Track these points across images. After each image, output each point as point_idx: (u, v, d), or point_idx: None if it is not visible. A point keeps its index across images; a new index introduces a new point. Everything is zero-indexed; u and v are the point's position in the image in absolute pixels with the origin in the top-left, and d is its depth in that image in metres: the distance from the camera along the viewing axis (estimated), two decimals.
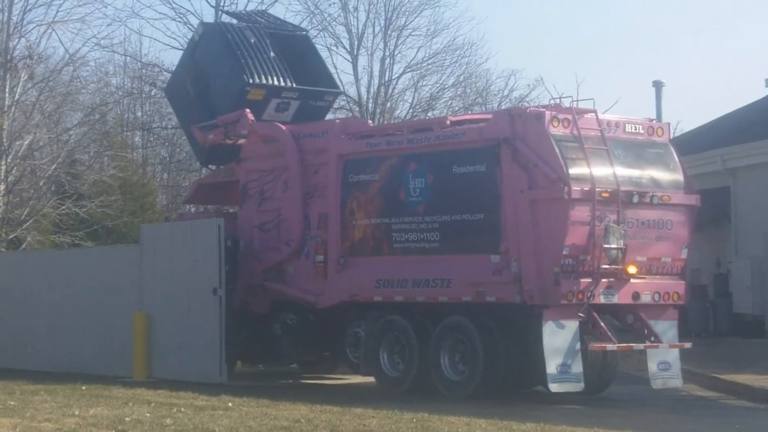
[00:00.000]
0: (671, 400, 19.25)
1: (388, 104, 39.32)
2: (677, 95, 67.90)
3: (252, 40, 23.27)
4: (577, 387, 18.19)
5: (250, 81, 22.74)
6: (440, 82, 40.54)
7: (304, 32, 25.56)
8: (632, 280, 18.72)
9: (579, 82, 53.52)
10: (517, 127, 18.67)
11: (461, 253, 19.20)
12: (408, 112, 39.60)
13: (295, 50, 24.05)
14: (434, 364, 19.25)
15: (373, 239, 20.40)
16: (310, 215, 21.43)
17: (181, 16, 36.21)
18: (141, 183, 39.75)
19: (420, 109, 39.62)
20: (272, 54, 23.33)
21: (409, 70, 39.75)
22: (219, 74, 23.36)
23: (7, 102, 32.16)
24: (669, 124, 20.57)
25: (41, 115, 33.28)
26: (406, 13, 39.58)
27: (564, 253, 18.07)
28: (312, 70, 24.01)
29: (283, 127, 21.97)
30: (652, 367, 18.87)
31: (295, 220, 21.62)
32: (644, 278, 18.91)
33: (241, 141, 22.77)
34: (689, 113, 69.66)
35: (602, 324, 18.57)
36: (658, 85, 33.64)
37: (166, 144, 43.47)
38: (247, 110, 22.34)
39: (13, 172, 32.73)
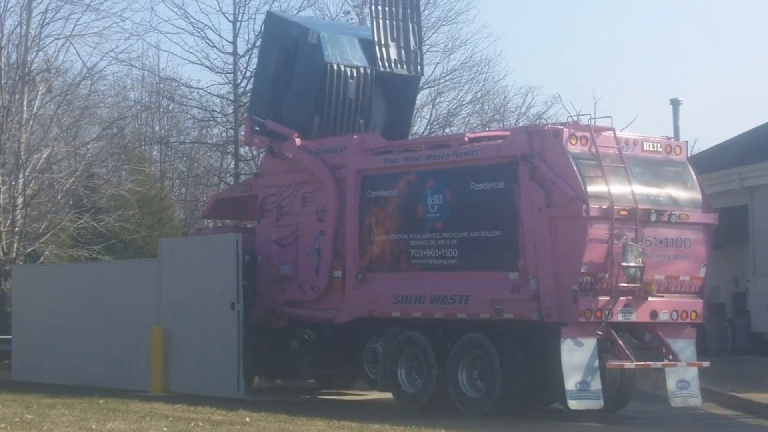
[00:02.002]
0: (689, 418, 19.21)
1: None
2: (695, 113, 67.81)
3: (350, 97, 22.34)
4: (596, 404, 18.16)
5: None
6: (458, 98, 40.52)
7: (419, 75, 24.03)
8: (650, 299, 18.70)
9: (596, 99, 53.36)
10: (535, 145, 18.69)
11: (479, 269, 19.21)
12: (425, 129, 39.61)
13: (397, 92, 23.11)
14: (452, 380, 19.24)
15: (392, 255, 20.41)
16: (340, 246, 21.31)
17: (199, 30, 36.26)
18: (159, 197, 39.84)
19: (437, 126, 39.59)
20: (361, 120, 22.51)
21: (426, 86, 39.71)
22: (300, 100, 22.51)
23: (25, 115, 32.28)
24: (687, 142, 20.61)
25: (59, 129, 33.39)
26: (424, 29, 39.37)
27: (582, 270, 18.07)
28: (399, 119, 23.33)
29: (327, 170, 21.44)
30: (671, 385, 18.84)
31: (325, 256, 21.41)
32: (662, 296, 18.89)
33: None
34: (707, 131, 69.57)
35: (620, 342, 18.55)
36: (675, 103, 33.59)
37: (184, 158, 43.57)
38: (296, 135, 22.14)
39: (31, 185, 32.83)
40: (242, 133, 33.18)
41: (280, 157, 22.39)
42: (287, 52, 22.88)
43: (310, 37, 22.50)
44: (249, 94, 35.58)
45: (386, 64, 22.70)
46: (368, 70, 22.53)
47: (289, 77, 22.86)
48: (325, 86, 22.14)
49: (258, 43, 36.11)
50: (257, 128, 23.03)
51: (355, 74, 22.41)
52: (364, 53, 22.69)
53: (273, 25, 23.80)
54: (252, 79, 35.71)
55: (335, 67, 22.22)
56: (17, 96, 32.28)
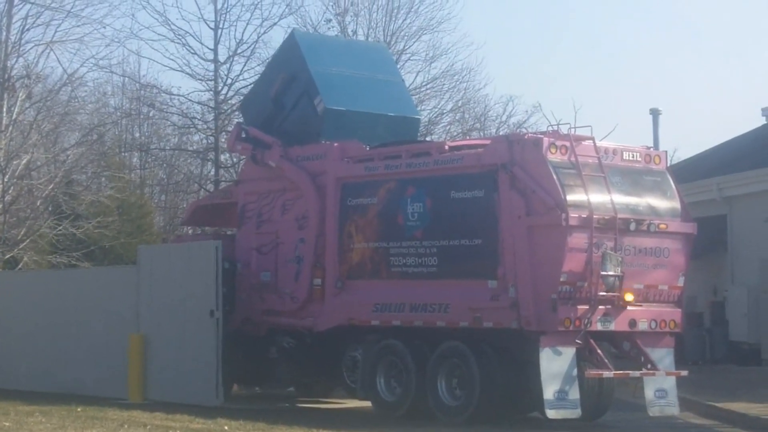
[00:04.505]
0: (667, 427, 19.26)
1: None
2: (674, 123, 68.11)
3: None
4: (574, 413, 18.18)
5: None
6: (439, 107, 40.63)
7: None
8: (629, 308, 18.74)
9: (577, 108, 53.60)
10: (515, 153, 18.72)
11: (459, 278, 19.22)
12: None
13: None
14: (431, 388, 19.24)
15: (371, 263, 20.41)
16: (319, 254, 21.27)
17: (180, 38, 36.32)
18: (138, 204, 39.76)
19: (418, 134, 39.64)
20: None
21: None
22: (290, 143, 22.37)
23: (4, 121, 32.17)
24: (666, 152, 20.67)
25: (39, 135, 33.26)
26: (405, 37, 39.73)
27: (561, 279, 18.10)
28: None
29: (309, 180, 21.42)
30: (649, 394, 18.88)
31: (305, 264, 21.39)
32: (641, 306, 18.93)
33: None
34: (686, 141, 69.98)
35: (599, 351, 18.58)
36: (655, 113, 33.75)
37: (164, 165, 43.53)
38: (279, 144, 22.02)
39: (10, 191, 32.70)
40: (224, 139, 33.19)
41: (262, 165, 22.36)
42: (292, 85, 22.61)
43: (316, 102, 22.17)
44: (230, 101, 35.81)
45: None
46: (365, 147, 21.80)
47: (286, 113, 22.68)
48: None
49: (239, 50, 36.29)
50: (244, 135, 22.94)
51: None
52: (367, 126, 22.28)
53: (291, 47, 23.15)
54: (235, 84, 35.84)
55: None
56: None
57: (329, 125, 21.97)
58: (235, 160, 36.23)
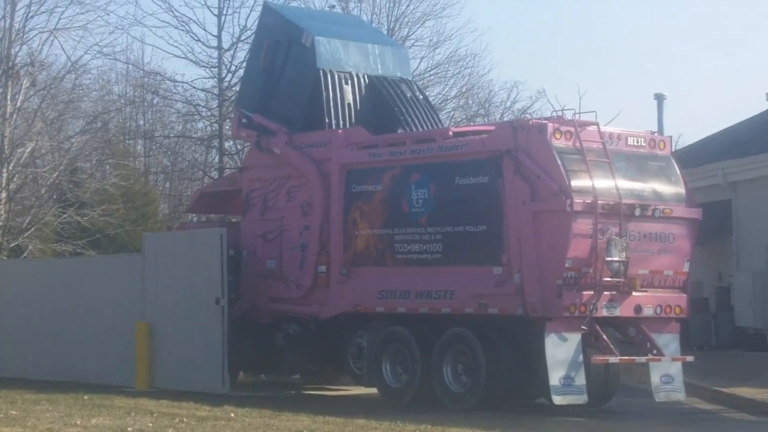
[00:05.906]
0: (673, 412, 19.27)
1: None
2: (679, 108, 68.04)
3: (349, 101, 22.06)
4: (580, 399, 18.20)
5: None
6: (443, 93, 40.56)
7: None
8: (634, 293, 18.74)
9: (581, 94, 53.30)
10: (519, 139, 18.71)
11: (464, 264, 19.23)
12: None
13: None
14: (437, 375, 19.26)
15: (376, 250, 20.42)
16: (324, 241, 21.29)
17: (184, 24, 36.29)
18: (143, 192, 39.79)
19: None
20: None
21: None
22: (290, 101, 22.44)
23: (8, 109, 32.19)
24: (671, 137, 20.60)
25: (43, 123, 33.29)
26: (409, 23, 39.66)
27: (566, 265, 18.10)
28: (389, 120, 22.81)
29: (314, 167, 21.41)
30: (655, 380, 18.89)
31: (310, 251, 21.39)
32: (646, 291, 18.93)
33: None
34: (691, 126, 70.01)
35: (604, 337, 18.59)
36: (659, 98, 33.58)
37: (168, 153, 43.53)
38: (284, 131, 22.01)
39: (15, 180, 32.75)
40: (228, 126, 33.21)
41: (267, 152, 22.34)
42: (279, 48, 22.73)
43: (304, 40, 22.30)
44: (234, 88, 35.78)
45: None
46: (361, 75, 22.40)
47: (279, 75, 22.72)
48: (318, 92, 21.92)
49: (243, 37, 36.24)
50: (244, 120, 22.93)
51: (349, 80, 22.23)
52: (358, 56, 22.56)
53: (267, 17, 23.58)
54: (239, 71, 35.87)
55: (328, 73, 22.10)
56: (0, 90, 32.19)
57: (322, 55, 22.06)
58: (239, 147, 36.23)
